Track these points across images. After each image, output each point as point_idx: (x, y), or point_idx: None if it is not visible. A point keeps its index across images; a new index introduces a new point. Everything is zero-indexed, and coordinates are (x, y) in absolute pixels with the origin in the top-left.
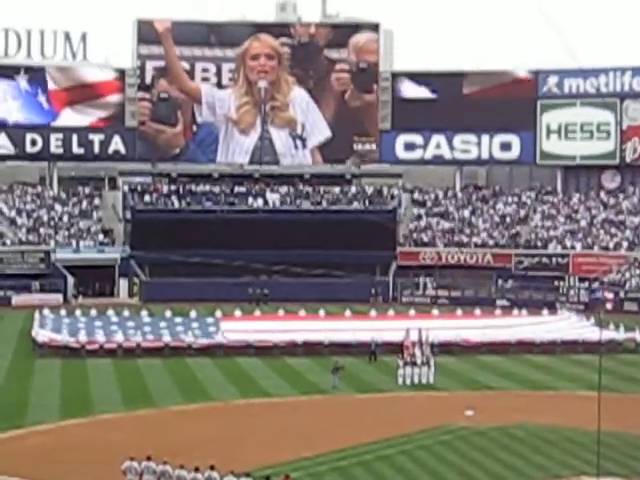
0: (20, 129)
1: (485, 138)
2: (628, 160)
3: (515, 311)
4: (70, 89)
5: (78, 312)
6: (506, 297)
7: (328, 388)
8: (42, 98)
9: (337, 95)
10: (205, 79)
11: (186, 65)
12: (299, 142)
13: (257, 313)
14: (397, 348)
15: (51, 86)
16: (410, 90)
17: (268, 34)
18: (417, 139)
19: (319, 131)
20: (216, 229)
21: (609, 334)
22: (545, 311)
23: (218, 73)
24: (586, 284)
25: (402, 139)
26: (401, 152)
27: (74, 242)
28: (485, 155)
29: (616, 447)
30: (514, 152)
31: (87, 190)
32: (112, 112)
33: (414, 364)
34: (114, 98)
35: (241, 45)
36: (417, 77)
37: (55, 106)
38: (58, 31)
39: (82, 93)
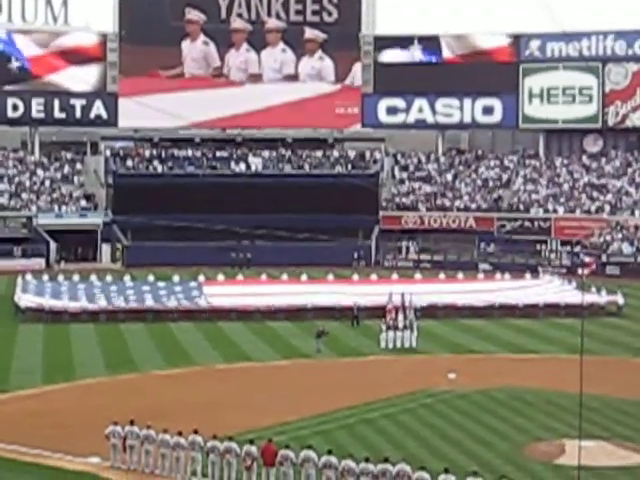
0: (2, 93)
1: (467, 102)
2: (610, 124)
3: (498, 275)
4: (52, 54)
5: (61, 277)
6: (489, 261)
7: (311, 352)
8: (24, 62)
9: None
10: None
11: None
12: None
13: (240, 277)
14: (380, 312)
15: (34, 51)
16: (392, 54)
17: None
18: (399, 103)
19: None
20: (198, 193)
21: (591, 297)
22: (527, 275)
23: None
24: (568, 248)
25: (384, 103)
26: (383, 116)
27: (56, 207)
28: (467, 119)
29: (598, 410)
30: (496, 116)
31: (69, 155)
32: (94, 76)
33: (397, 328)
34: (95, 62)
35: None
36: (400, 41)
37: (36, 70)
38: None
39: (64, 57)
